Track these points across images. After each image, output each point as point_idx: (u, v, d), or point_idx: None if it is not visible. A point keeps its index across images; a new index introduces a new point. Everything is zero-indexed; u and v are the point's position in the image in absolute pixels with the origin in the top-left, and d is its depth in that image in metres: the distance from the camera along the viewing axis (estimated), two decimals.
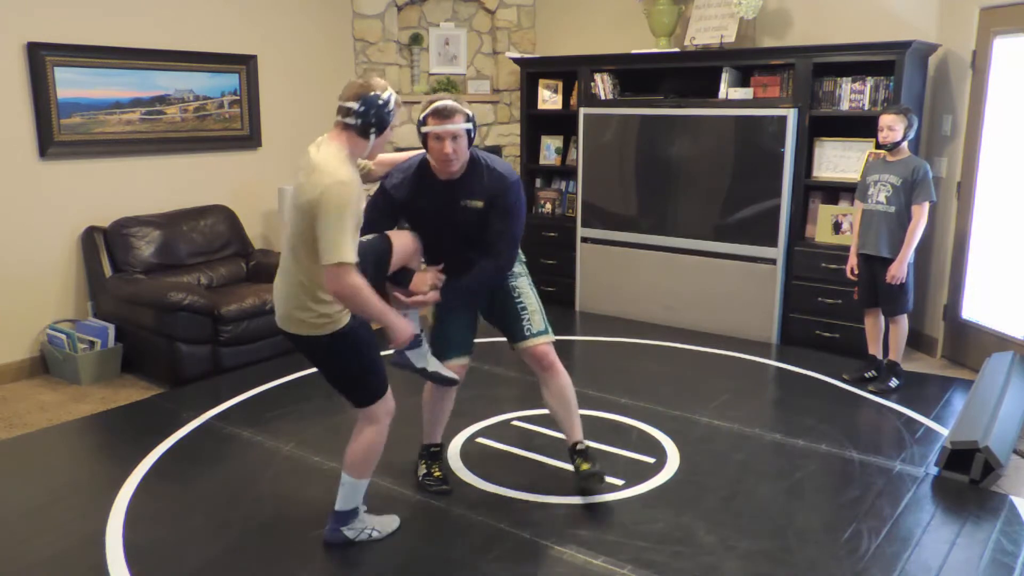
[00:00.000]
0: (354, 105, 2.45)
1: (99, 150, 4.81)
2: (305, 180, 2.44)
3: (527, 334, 3.01)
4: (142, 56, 4.92)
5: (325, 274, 2.40)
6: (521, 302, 3.03)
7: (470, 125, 2.75)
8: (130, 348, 4.63)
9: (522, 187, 2.90)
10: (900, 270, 4.09)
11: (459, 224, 2.88)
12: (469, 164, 2.85)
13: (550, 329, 3.08)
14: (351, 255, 2.38)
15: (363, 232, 2.67)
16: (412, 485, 3.25)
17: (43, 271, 4.63)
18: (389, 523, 2.91)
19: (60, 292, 4.73)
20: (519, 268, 3.08)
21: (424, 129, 2.75)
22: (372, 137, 2.51)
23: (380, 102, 2.47)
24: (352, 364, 2.64)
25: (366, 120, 2.46)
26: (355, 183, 2.42)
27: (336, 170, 2.39)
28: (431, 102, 2.73)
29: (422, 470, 3.27)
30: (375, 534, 2.85)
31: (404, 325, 2.66)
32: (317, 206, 2.36)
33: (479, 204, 2.84)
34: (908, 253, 4.09)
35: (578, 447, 3.13)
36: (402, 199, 2.89)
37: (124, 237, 4.72)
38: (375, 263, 2.68)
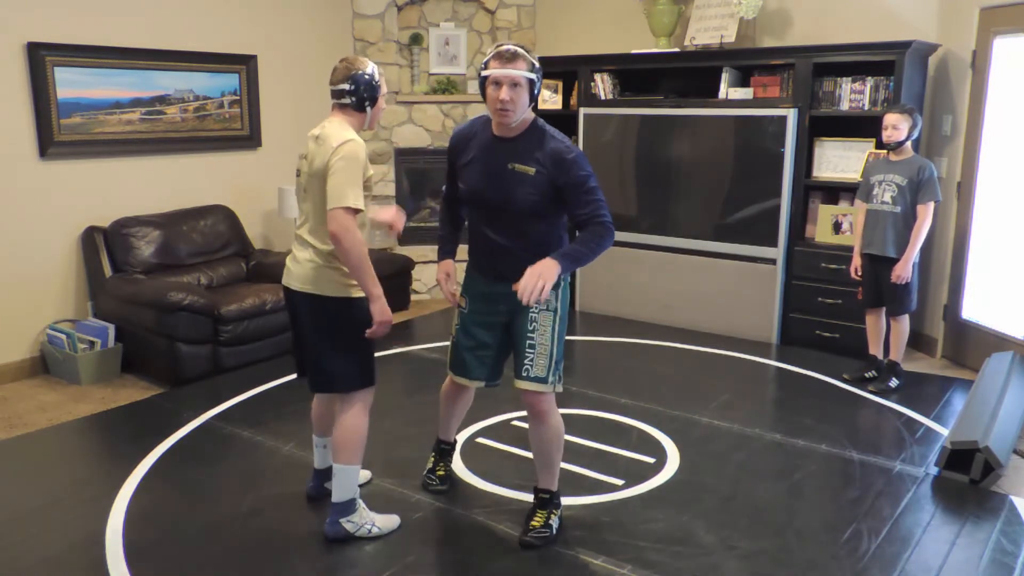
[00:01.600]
0: (346, 86, 2.70)
1: (99, 150, 4.81)
2: (316, 152, 2.66)
3: (524, 375, 2.75)
4: (142, 56, 4.92)
5: (329, 217, 2.57)
6: (532, 340, 2.74)
7: (533, 75, 2.55)
8: (130, 348, 4.63)
9: (584, 158, 2.61)
10: (905, 270, 4.09)
11: (501, 187, 2.63)
12: (529, 128, 2.64)
13: (552, 378, 2.77)
14: (356, 201, 2.58)
15: (446, 196, 2.99)
16: (413, 485, 3.25)
17: (43, 271, 4.63)
18: (390, 522, 2.92)
19: (60, 292, 4.73)
20: (553, 303, 2.74)
21: (484, 72, 2.57)
22: (368, 109, 2.76)
23: (367, 76, 2.72)
24: (359, 335, 2.70)
25: (359, 95, 2.71)
26: (363, 145, 2.66)
27: (345, 133, 2.65)
28: (498, 46, 2.58)
29: (428, 464, 3.27)
30: (375, 530, 2.85)
31: (386, 306, 2.69)
32: (330, 162, 2.59)
33: (530, 171, 2.58)
34: (913, 253, 4.09)
35: (540, 493, 2.90)
36: (459, 154, 2.78)
37: (124, 237, 4.72)
38: None
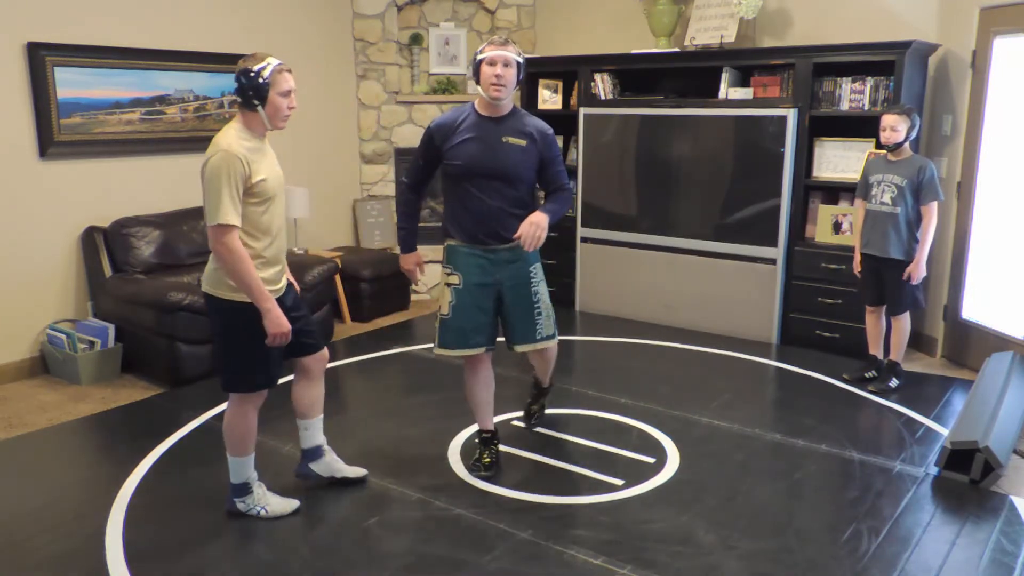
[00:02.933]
0: (235, 83, 2.69)
1: (99, 150, 4.81)
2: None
3: (539, 338, 3.27)
4: (142, 56, 4.92)
5: (208, 235, 2.62)
6: (539, 308, 3.26)
7: (520, 60, 3.05)
8: (130, 348, 4.63)
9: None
10: (920, 269, 4.09)
11: (499, 158, 3.07)
12: (513, 110, 3.14)
13: (556, 331, 3.38)
14: (230, 217, 2.60)
15: (409, 174, 3.24)
16: (413, 485, 3.25)
17: (43, 271, 4.63)
18: (284, 506, 3.04)
19: (60, 292, 4.73)
20: (539, 273, 3.27)
21: (480, 56, 3.02)
22: (259, 108, 2.72)
23: (252, 74, 2.66)
24: (246, 339, 2.75)
25: (244, 94, 2.69)
26: (235, 151, 2.62)
27: (220, 141, 2.66)
28: (491, 38, 3.08)
29: (475, 455, 3.42)
30: (263, 512, 2.99)
31: (279, 315, 2.73)
32: (201, 175, 2.64)
33: (520, 142, 3.09)
34: (924, 254, 4.09)
35: (544, 388, 3.75)
36: (444, 131, 3.11)
37: (124, 237, 4.72)
38: None
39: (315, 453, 3.17)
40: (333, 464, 3.20)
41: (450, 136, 3.10)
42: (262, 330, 2.72)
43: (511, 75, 3.02)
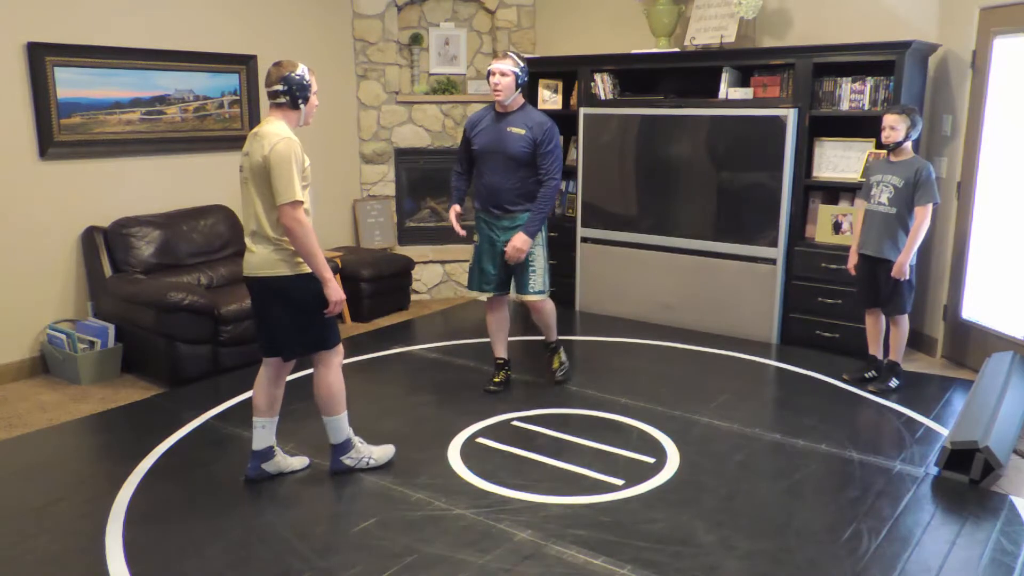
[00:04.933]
0: (280, 87, 3.00)
1: (99, 150, 4.81)
2: (254, 148, 2.95)
3: (529, 291, 4.13)
4: (142, 56, 4.92)
5: (280, 212, 2.91)
6: (533, 267, 4.09)
7: (517, 70, 3.90)
8: (130, 348, 4.63)
9: (556, 129, 4.02)
10: (902, 270, 4.08)
11: (504, 144, 3.96)
12: (520, 107, 4.00)
13: (547, 288, 4.16)
14: (300, 194, 2.92)
15: (457, 161, 4.18)
16: (413, 485, 3.25)
17: (43, 271, 4.63)
18: (385, 452, 3.38)
19: (60, 292, 4.73)
20: (540, 239, 4.09)
21: (487, 67, 4.13)
22: (302, 106, 3.08)
23: (297, 77, 3.02)
24: (313, 304, 3.05)
25: (292, 95, 3.02)
26: (297, 141, 2.95)
27: (275, 131, 2.95)
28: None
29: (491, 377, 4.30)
30: (372, 462, 3.32)
31: (337, 285, 3.07)
32: (269, 160, 2.89)
33: (521, 132, 3.94)
34: (910, 253, 4.08)
35: (551, 345, 4.41)
36: (472, 121, 4.11)
37: (124, 237, 4.72)
38: None
39: (269, 453, 3.28)
40: (281, 462, 3.33)
41: (476, 126, 4.08)
42: (320, 293, 3.02)
43: (507, 82, 3.88)
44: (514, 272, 4.12)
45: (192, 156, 5.31)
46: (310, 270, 3.02)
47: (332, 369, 3.18)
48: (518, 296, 4.19)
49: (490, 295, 4.16)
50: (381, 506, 3.09)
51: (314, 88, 3.08)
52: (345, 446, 3.28)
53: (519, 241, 3.93)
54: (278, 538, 2.87)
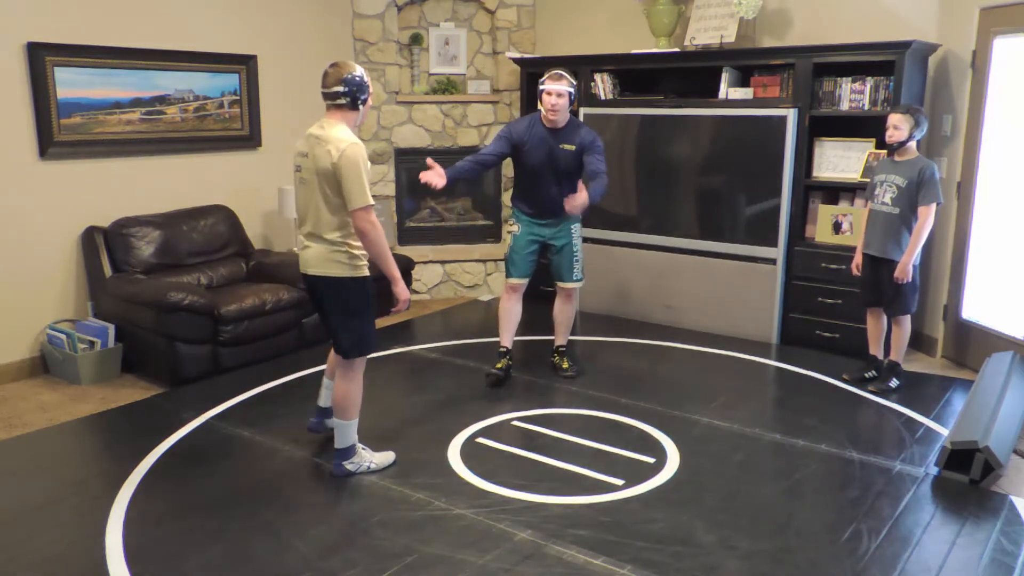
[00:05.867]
0: (341, 88, 3.06)
1: (99, 150, 4.81)
2: (318, 151, 3.02)
3: (573, 279, 4.42)
4: (142, 56, 4.92)
5: (354, 216, 3.02)
6: (576, 256, 4.41)
7: (572, 90, 4.08)
8: (130, 348, 4.63)
9: (600, 140, 4.22)
10: (905, 271, 4.08)
11: (556, 162, 4.16)
12: (569, 122, 4.16)
13: (583, 277, 4.49)
14: (371, 198, 3.03)
15: (482, 154, 4.17)
16: (413, 485, 3.25)
17: (43, 271, 4.63)
18: (385, 459, 3.42)
19: (60, 292, 4.73)
20: (578, 231, 4.40)
21: (541, 87, 4.11)
22: (360, 107, 3.14)
23: (357, 78, 3.08)
24: (361, 309, 3.18)
25: (352, 95, 3.08)
26: (362, 145, 3.03)
27: (340, 136, 3.02)
28: (550, 70, 4.12)
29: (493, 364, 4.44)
30: (372, 466, 3.36)
31: (405, 287, 3.21)
32: (339, 166, 2.96)
33: (571, 148, 4.14)
34: (913, 254, 4.08)
35: (560, 348, 4.60)
36: (519, 136, 4.18)
37: (124, 237, 4.72)
38: None
39: (330, 411, 3.51)
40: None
41: (525, 140, 4.16)
42: (370, 296, 3.19)
43: (563, 103, 4.06)
44: (557, 262, 4.38)
45: (192, 156, 5.31)
46: (366, 274, 3.16)
47: (355, 374, 3.26)
48: (559, 284, 4.43)
49: (515, 281, 4.37)
50: (381, 506, 3.09)
51: (371, 89, 3.16)
52: (348, 451, 3.33)
53: (583, 196, 3.88)
54: (278, 538, 2.87)
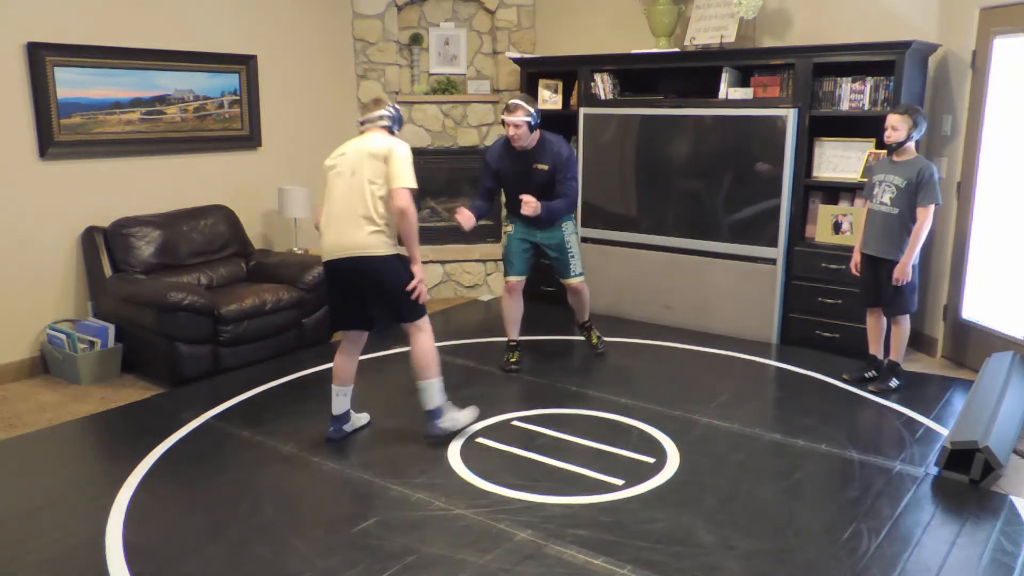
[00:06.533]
0: (386, 112, 3.60)
1: (99, 150, 4.81)
2: (367, 145, 3.46)
3: (572, 275, 4.64)
4: (142, 56, 4.92)
5: (397, 194, 3.37)
6: (572, 252, 4.59)
7: (529, 119, 4.21)
8: (130, 348, 4.63)
9: (572, 150, 4.45)
10: (904, 272, 4.08)
11: (532, 179, 4.37)
12: (539, 141, 4.34)
13: (583, 272, 4.69)
14: (413, 182, 3.42)
15: (481, 186, 4.49)
16: (414, 485, 3.25)
17: (43, 271, 4.63)
18: (471, 414, 3.73)
19: (60, 292, 4.73)
20: (572, 228, 4.60)
21: (502, 117, 4.29)
22: (395, 133, 3.63)
23: (398, 111, 3.67)
24: (408, 277, 3.47)
25: (395, 122, 3.63)
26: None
27: (388, 138, 3.52)
28: (509, 100, 4.26)
29: (504, 357, 4.66)
30: (461, 422, 3.66)
31: (421, 266, 3.54)
32: (391, 152, 3.42)
33: (545, 167, 4.35)
34: (912, 255, 4.08)
35: (585, 324, 4.94)
36: (495, 162, 4.44)
37: (124, 237, 4.72)
38: None
39: (347, 416, 3.71)
40: (356, 421, 3.78)
41: (499, 163, 4.43)
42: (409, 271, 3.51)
43: (522, 132, 4.22)
44: (555, 262, 4.62)
45: (192, 156, 5.31)
46: (398, 251, 3.50)
47: (425, 334, 3.54)
48: (562, 280, 4.69)
49: (512, 279, 4.56)
50: (381, 506, 3.09)
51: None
52: (438, 411, 3.58)
53: (535, 207, 4.23)
54: (278, 538, 2.87)
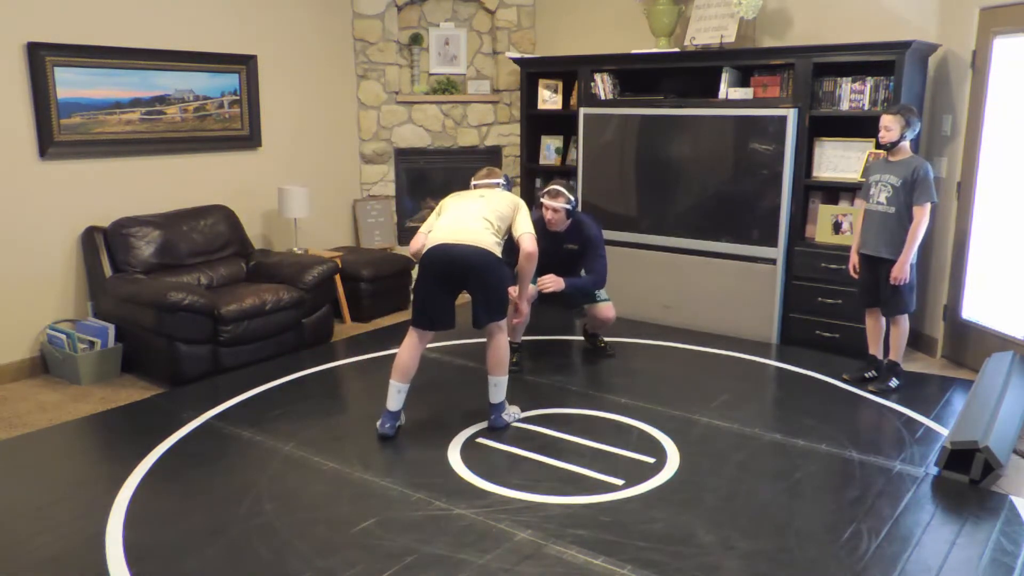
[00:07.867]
0: (502, 180, 4.08)
1: (99, 150, 4.81)
2: (498, 196, 3.87)
3: (599, 299, 4.76)
4: (142, 56, 4.92)
5: (524, 239, 3.77)
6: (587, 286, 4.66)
7: (568, 206, 4.39)
8: (130, 348, 4.63)
9: (600, 228, 4.70)
10: (902, 271, 4.08)
11: (562, 257, 4.56)
12: (572, 223, 4.51)
13: (608, 297, 4.83)
14: (533, 229, 3.84)
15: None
16: (414, 484, 3.25)
17: (43, 271, 4.63)
18: (518, 409, 3.96)
19: (60, 292, 4.73)
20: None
21: (541, 200, 4.47)
22: (508, 190, 4.07)
23: (509, 179, 4.16)
24: (504, 281, 3.75)
25: (508, 186, 4.10)
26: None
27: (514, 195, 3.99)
28: (549, 186, 4.48)
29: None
30: (517, 416, 3.91)
31: (527, 303, 4.09)
32: (518, 204, 3.88)
33: (575, 247, 4.57)
34: (910, 255, 4.08)
35: (595, 333, 5.05)
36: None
37: (124, 237, 4.71)
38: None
39: (399, 414, 3.75)
40: (403, 417, 3.83)
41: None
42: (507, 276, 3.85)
43: (562, 215, 4.40)
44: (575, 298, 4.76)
45: (192, 156, 5.31)
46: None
47: (504, 334, 3.80)
48: (590, 308, 4.79)
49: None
50: (381, 506, 3.09)
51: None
52: (502, 405, 3.82)
53: (554, 282, 4.41)
54: (278, 538, 2.87)
